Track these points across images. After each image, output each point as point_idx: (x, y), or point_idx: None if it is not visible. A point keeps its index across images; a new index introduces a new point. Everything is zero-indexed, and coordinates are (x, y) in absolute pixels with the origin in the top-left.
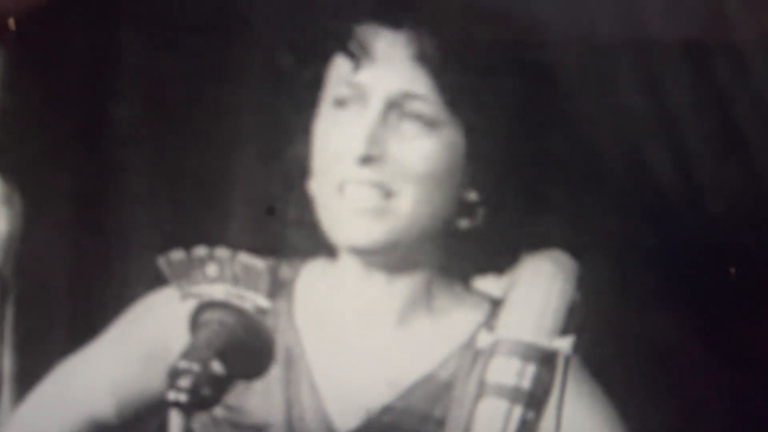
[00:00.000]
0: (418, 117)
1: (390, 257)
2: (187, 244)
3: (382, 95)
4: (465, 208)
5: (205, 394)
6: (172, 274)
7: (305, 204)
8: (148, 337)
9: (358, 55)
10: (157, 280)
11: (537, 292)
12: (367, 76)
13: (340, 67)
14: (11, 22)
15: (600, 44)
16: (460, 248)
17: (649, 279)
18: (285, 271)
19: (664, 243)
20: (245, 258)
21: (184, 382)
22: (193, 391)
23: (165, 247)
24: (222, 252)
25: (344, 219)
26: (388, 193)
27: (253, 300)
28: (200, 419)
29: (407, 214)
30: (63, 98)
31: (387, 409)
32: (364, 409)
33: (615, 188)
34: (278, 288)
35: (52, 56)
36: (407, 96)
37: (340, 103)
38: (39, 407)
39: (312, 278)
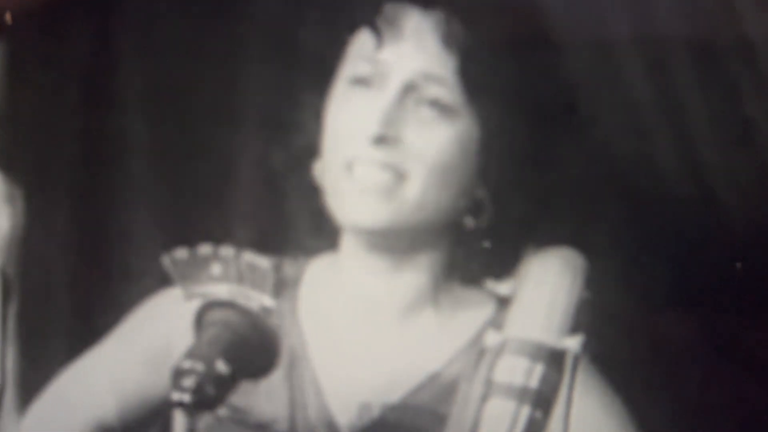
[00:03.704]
0: (436, 102)
1: (393, 244)
2: (191, 242)
3: (403, 75)
4: (473, 206)
5: (210, 394)
6: (176, 273)
7: (311, 188)
8: (152, 339)
9: (384, 32)
10: (161, 279)
11: (545, 290)
12: (390, 53)
13: (361, 43)
14: (8, 16)
15: (611, 42)
16: (466, 246)
17: (658, 277)
18: (289, 270)
19: (673, 241)
20: (250, 257)
21: (188, 381)
22: (197, 390)
23: (168, 244)
24: (227, 250)
25: (350, 198)
26: (397, 176)
27: (258, 299)
28: (204, 420)
29: (415, 200)
30: (64, 96)
31: (392, 408)
32: (367, 407)
33: (623, 186)
34: (282, 288)
35: (52, 54)
36: (428, 78)
37: (358, 81)
38: (44, 413)
39: (316, 276)
